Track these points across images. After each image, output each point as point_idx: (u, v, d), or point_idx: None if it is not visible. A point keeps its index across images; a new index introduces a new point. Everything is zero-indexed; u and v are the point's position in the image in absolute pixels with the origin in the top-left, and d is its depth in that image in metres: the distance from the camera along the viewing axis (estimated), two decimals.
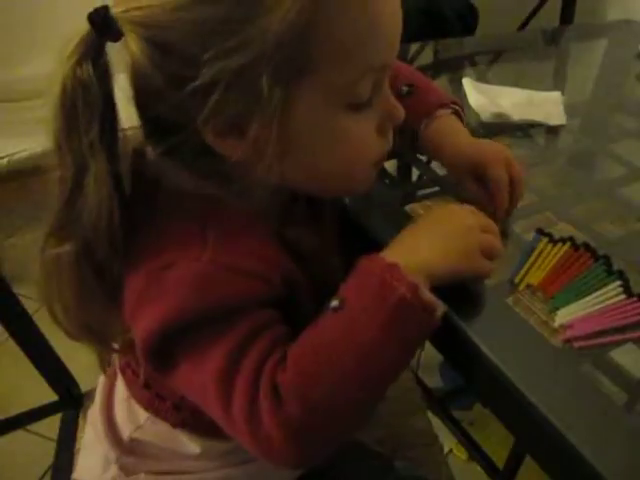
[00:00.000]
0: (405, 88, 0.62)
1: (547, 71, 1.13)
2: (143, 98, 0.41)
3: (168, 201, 0.45)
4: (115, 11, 0.38)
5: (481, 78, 1.05)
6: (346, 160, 0.45)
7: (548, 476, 0.43)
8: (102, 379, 0.62)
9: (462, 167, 0.58)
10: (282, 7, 0.36)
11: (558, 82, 1.10)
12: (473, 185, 0.58)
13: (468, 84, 0.88)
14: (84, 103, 0.39)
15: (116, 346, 0.51)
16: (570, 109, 0.87)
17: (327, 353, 0.41)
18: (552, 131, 0.84)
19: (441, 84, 0.95)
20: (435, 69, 1.08)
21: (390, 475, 0.65)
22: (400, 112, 0.47)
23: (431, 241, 0.46)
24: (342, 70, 0.40)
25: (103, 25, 0.38)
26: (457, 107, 0.63)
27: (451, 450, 1.27)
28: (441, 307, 0.44)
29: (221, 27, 0.36)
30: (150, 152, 0.46)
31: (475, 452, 1.17)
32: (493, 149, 0.58)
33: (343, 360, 0.41)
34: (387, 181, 0.78)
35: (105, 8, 0.38)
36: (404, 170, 0.81)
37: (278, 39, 0.36)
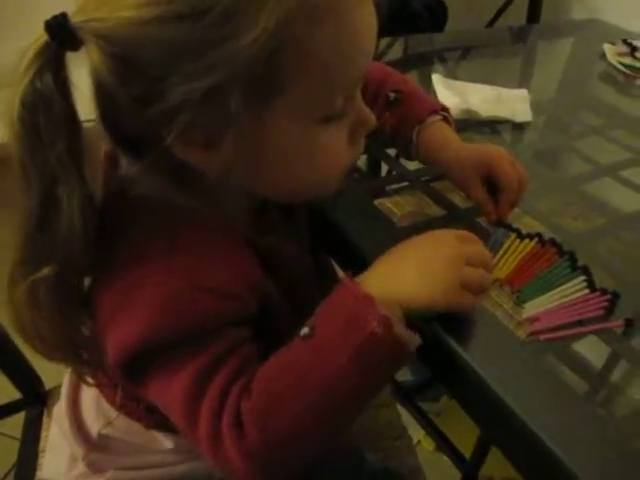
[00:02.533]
0: (392, 95, 0.62)
1: (514, 68, 1.15)
2: (108, 111, 0.39)
3: (137, 214, 0.43)
4: (75, 21, 0.35)
5: (450, 74, 1.06)
6: (319, 170, 0.44)
7: (512, 465, 0.44)
8: (67, 376, 0.60)
9: (468, 170, 0.58)
10: (254, 29, 0.34)
11: (525, 79, 1.12)
12: (481, 187, 0.58)
13: (437, 80, 0.88)
14: (46, 117, 0.36)
15: (88, 362, 0.49)
16: (536, 106, 0.89)
17: (292, 380, 0.41)
18: (518, 127, 0.85)
19: (410, 79, 0.95)
20: (405, 64, 1.08)
21: (362, 467, 0.66)
22: (371, 118, 0.46)
23: (410, 271, 0.44)
24: (318, 87, 0.39)
25: (62, 35, 0.35)
26: (446, 114, 0.63)
27: (419, 441, 1.29)
28: (416, 340, 0.42)
29: (190, 48, 0.35)
30: (123, 160, 0.44)
31: (442, 443, 1.18)
32: (497, 150, 0.59)
33: (307, 389, 0.40)
34: (356, 175, 0.78)
35: (64, 16, 0.35)
36: (373, 165, 0.82)
37: (249, 60, 0.35)
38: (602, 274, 0.58)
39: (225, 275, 0.43)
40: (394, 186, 0.72)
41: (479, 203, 0.58)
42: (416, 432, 1.27)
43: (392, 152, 0.75)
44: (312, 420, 0.41)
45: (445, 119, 0.62)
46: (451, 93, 0.84)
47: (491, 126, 0.83)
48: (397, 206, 0.67)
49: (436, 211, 0.65)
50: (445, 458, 1.19)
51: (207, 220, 0.43)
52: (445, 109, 0.63)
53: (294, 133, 0.41)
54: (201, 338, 0.41)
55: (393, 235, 0.59)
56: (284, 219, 0.53)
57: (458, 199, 0.65)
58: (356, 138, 0.46)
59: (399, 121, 0.62)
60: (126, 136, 0.41)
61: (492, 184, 0.58)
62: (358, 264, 0.54)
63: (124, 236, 0.43)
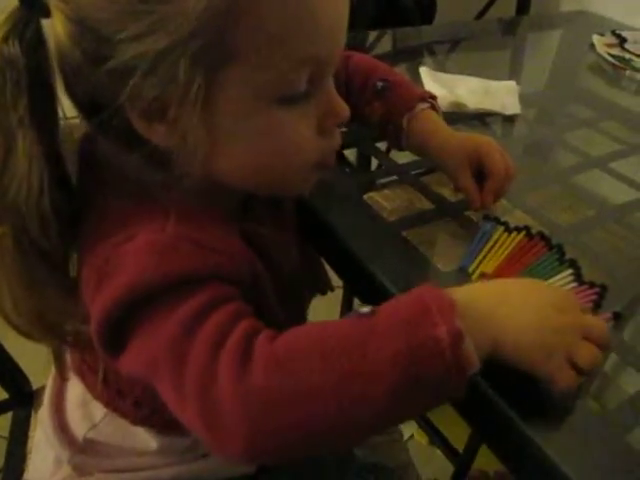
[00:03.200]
0: (380, 84, 0.62)
1: (504, 60, 1.15)
2: (68, 76, 0.40)
3: (124, 183, 0.43)
4: None
5: (439, 67, 1.06)
6: (279, 155, 0.43)
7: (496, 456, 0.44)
8: (50, 380, 0.60)
9: (457, 157, 0.58)
10: None
11: (514, 71, 1.12)
12: (469, 175, 0.58)
13: (425, 73, 0.88)
14: (10, 79, 0.38)
15: (71, 339, 0.48)
16: (526, 98, 0.89)
17: (328, 348, 0.36)
18: (508, 120, 0.85)
19: (400, 73, 0.95)
20: (394, 58, 1.08)
21: (351, 463, 0.65)
22: (344, 110, 0.45)
23: (526, 316, 0.39)
24: (271, 60, 0.38)
25: (30, 0, 0.37)
26: (434, 101, 0.63)
27: (412, 435, 1.29)
28: (475, 369, 0.37)
29: (135, 7, 0.35)
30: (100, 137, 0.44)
31: (436, 436, 1.19)
32: (486, 139, 0.59)
33: (340, 362, 0.35)
34: (347, 170, 0.78)
35: None
36: (363, 159, 0.81)
37: (197, 23, 0.35)
38: (592, 266, 0.58)
39: (218, 235, 0.42)
40: (385, 180, 0.71)
41: (466, 191, 0.58)
42: (410, 426, 1.27)
43: (382, 146, 0.75)
44: (326, 392, 0.35)
45: (433, 107, 0.62)
46: (439, 86, 0.84)
47: (481, 119, 0.83)
48: (387, 200, 0.66)
49: (427, 205, 0.64)
50: (438, 452, 1.19)
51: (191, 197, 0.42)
52: (433, 97, 0.63)
53: (250, 109, 0.40)
54: (192, 286, 0.39)
55: (381, 231, 0.58)
56: (270, 212, 0.52)
57: (448, 193, 0.65)
58: (326, 129, 0.44)
59: (388, 110, 0.62)
60: (86, 102, 0.41)
61: (480, 174, 0.58)
62: (346, 261, 0.54)
63: (107, 204, 0.43)
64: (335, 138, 0.46)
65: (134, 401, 0.52)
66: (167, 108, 0.38)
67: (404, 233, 0.58)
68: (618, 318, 0.46)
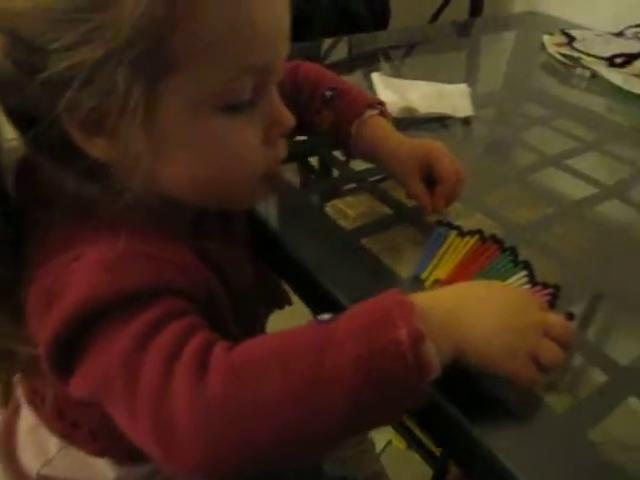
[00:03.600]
0: (329, 92, 0.62)
1: (459, 62, 1.16)
2: (0, 89, 0.39)
3: (66, 200, 0.41)
4: None
5: (396, 71, 1.06)
6: (225, 166, 0.42)
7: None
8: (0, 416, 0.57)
9: (407, 164, 0.58)
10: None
11: (470, 73, 1.13)
12: (419, 181, 0.58)
13: (378, 79, 0.88)
14: None
15: (21, 365, 0.46)
16: (482, 99, 0.89)
17: (288, 356, 0.35)
18: (466, 122, 0.85)
19: (357, 80, 0.95)
20: (350, 65, 1.08)
21: (318, 478, 0.64)
22: (289, 119, 0.44)
23: (486, 317, 0.39)
24: (212, 69, 0.38)
25: None
26: (383, 108, 0.63)
27: (390, 441, 1.29)
28: (436, 373, 0.36)
29: (70, 15, 0.34)
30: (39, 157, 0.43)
31: (413, 441, 1.18)
32: (435, 144, 0.59)
33: (299, 370, 0.34)
34: (312, 176, 0.77)
35: None
36: (325, 167, 0.81)
37: (134, 31, 0.34)
38: (552, 264, 0.58)
39: (171, 249, 0.41)
40: (349, 187, 0.71)
41: (416, 197, 0.58)
42: (387, 432, 1.27)
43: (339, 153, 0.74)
44: (284, 400, 0.34)
45: (382, 113, 0.62)
46: (391, 92, 0.84)
47: (441, 121, 0.83)
48: (350, 207, 0.66)
49: (389, 211, 0.64)
50: (417, 456, 1.19)
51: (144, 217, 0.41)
52: (381, 103, 0.63)
53: (192, 119, 0.39)
54: (144, 300, 0.37)
55: (337, 240, 0.58)
56: (222, 228, 0.51)
57: (405, 198, 0.65)
58: (272, 139, 0.44)
59: (337, 118, 0.62)
60: (20, 115, 0.40)
61: (430, 179, 0.58)
62: (296, 274, 0.53)
63: (50, 226, 0.41)
64: (280, 148, 0.45)
65: (90, 432, 0.50)
66: (107, 119, 0.37)
67: (365, 240, 0.58)
68: (571, 319, 0.46)
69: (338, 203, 0.68)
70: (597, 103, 1.01)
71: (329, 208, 0.66)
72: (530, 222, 0.65)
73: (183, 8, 0.35)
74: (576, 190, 0.73)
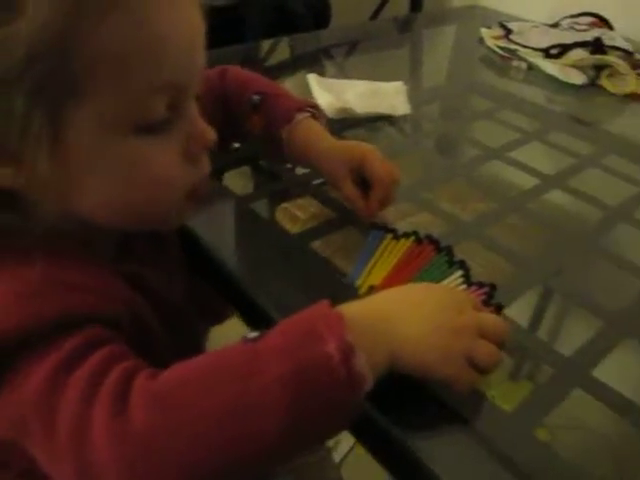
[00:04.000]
0: (256, 97, 0.61)
1: (402, 59, 1.16)
2: None
3: None
4: None
5: (339, 70, 1.05)
6: (144, 188, 0.40)
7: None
8: None
9: (339, 167, 0.57)
10: (24, 17, 0.31)
11: (413, 69, 1.13)
12: (351, 184, 0.57)
13: (313, 80, 0.86)
14: None
15: None
16: (425, 94, 0.89)
17: (212, 379, 0.34)
18: (411, 119, 0.85)
19: (299, 81, 0.93)
20: (292, 65, 1.06)
21: None
22: (210, 134, 0.42)
23: (413, 317, 0.39)
24: (119, 91, 0.36)
25: None
26: (314, 110, 0.62)
27: (353, 446, 1.27)
28: (369, 384, 0.35)
29: None
30: None
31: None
32: (367, 147, 0.58)
33: (223, 394, 0.33)
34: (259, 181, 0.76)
35: None
36: (270, 173, 0.79)
37: (30, 50, 0.32)
38: (499, 258, 0.58)
39: (89, 275, 0.38)
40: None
41: (349, 200, 0.58)
42: (349, 437, 1.25)
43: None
44: (210, 436, 0.32)
45: (314, 116, 0.61)
46: (327, 93, 0.82)
47: (381, 120, 0.83)
48: (301, 210, 0.65)
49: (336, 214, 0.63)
50: None
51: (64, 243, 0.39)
52: (313, 105, 0.62)
53: (104, 142, 0.37)
54: (60, 331, 0.35)
55: (291, 245, 0.56)
56: (152, 247, 0.49)
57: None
58: (193, 155, 0.41)
59: (268, 123, 0.60)
60: None
61: (365, 182, 0.57)
62: (227, 287, 0.51)
63: None
64: (204, 164, 0.43)
65: (19, 473, 0.46)
66: (8, 146, 0.34)
67: (315, 243, 0.57)
68: (500, 310, 0.45)
69: (289, 206, 0.67)
70: (536, 94, 1.02)
71: (278, 212, 0.66)
72: (477, 216, 0.65)
73: (84, 23, 0.33)
74: (521, 181, 0.74)
